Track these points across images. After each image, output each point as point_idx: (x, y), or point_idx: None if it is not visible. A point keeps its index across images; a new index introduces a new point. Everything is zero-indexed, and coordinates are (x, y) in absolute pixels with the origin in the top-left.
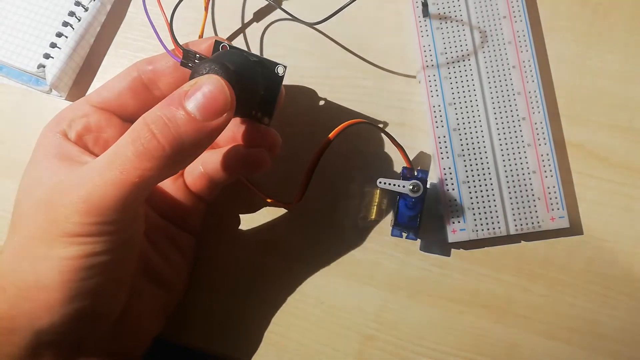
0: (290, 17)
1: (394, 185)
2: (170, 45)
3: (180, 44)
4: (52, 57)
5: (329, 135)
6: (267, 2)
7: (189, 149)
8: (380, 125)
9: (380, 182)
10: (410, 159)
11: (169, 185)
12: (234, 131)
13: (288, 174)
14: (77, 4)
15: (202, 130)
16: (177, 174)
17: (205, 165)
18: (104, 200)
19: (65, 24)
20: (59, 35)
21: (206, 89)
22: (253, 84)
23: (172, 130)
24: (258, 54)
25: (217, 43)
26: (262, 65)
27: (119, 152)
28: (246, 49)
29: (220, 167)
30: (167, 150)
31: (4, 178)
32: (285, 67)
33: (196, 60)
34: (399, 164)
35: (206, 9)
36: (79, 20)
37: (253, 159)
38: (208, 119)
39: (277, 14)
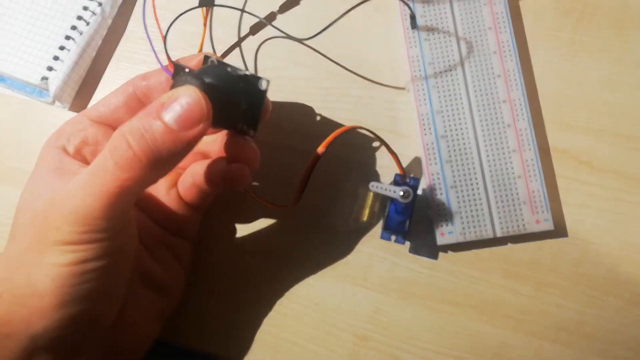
0: (283, 34)
1: (386, 189)
2: (165, 60)
3: (176, 58)
4: (55, 70)
5: (327, 139)
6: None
7: (166, 158)
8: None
9: (372, 186)
10: (403, 165)
11: (163, 195)
12: (225, 143)
13: (284, 178)
14: (80, 18)
15: (179, 141)
16: (171, 184)
17: (195, 176)
18: (91, 211)
19: (68, 37)
20: (62, 48)
21: (183, 100)
22: (234, 97)
23: (148, 141)
24: (253, 65)
25: (206, 58)
26: (246, 80)
27: (100, 164)
28: (242, 61)
29: (208, 179)
30: (143, 160)
31: (9, 186)
32: (268, 81)
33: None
34: (392, 170)
35: (205, 23)
36: (81, 33)
37: (233, 175)
38: (184, 129)
39: (271, 28)
